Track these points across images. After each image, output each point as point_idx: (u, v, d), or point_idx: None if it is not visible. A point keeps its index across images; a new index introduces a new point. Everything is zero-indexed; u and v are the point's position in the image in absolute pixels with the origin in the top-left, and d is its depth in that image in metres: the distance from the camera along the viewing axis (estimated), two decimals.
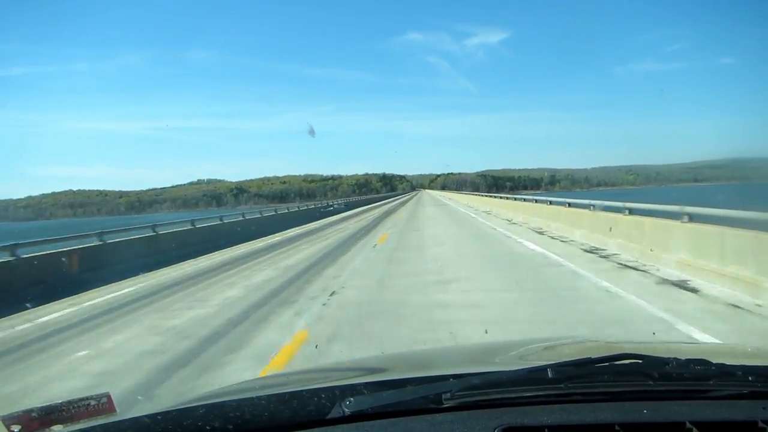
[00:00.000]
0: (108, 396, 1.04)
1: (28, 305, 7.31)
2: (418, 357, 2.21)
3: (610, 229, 10.76)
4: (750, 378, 1.03)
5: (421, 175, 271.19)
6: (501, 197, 28.37)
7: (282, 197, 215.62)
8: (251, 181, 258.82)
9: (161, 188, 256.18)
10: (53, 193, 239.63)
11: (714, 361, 1.07)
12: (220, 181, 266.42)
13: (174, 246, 13.52)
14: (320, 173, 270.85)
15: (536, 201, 18.82)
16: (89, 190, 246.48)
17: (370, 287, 7.49)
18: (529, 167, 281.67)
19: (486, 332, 4.88)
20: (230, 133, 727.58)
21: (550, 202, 16.68)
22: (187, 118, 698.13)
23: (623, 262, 8.64)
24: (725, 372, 1.05)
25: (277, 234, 18.91)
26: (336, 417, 0.97)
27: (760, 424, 0.93)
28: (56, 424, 0.97)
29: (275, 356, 4.52)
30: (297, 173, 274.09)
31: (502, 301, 6.18)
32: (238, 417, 0.96)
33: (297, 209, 31.11)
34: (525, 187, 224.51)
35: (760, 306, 5.46)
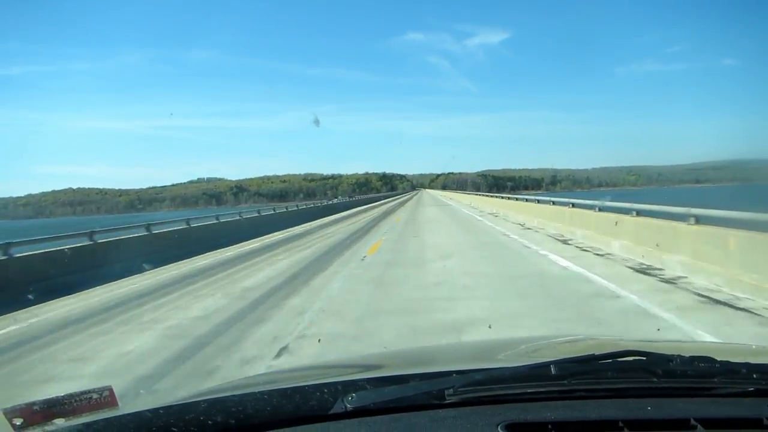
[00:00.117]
0: (110, 389, 1.02)
1: None
2: (420, 353, 2.17)
3: (657, 245, 8.26)
4: (755, 375, 1.02)
5: (421, 174, 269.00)
6: (506, 197, 25.86)
7: (282, 196, 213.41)
8: (251, 179, 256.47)
9: (161, 187, 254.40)
10: (53, 192, 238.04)
11: (718, 359, 1.06)
12: (220, 179, 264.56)
13: (120, 257, 11.02)
14: (320, 172, 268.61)
15: (552, 203, 16.29)
16: (89, 189, 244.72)
17: (342, 337, 4.93)
18: (530, 167, 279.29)
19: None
20: (231, 132, 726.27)
21: (572, 205, 14.13)
22: (188, 117, 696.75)
23: (706, 293, 6.10)
24: (730, 369, 1.04)
25: (256, 239, 16.39)
26: (338, 412, 0.96)
27: (765, 421, 0.92)
28: (58, 417, 0.95)
29: None
30: (297, 172, 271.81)
31: None
32: (241, 412, 0.95)
33: (296, 208, 29.57)
34: (526, 188, 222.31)
35: None
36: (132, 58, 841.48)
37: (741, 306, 5.47)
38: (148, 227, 12.62)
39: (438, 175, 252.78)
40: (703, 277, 6.74)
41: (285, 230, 19.98)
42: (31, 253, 8.98)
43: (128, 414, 0.96)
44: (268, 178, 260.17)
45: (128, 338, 5.32)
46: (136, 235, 12.43)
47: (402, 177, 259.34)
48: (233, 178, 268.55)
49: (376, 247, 12.43)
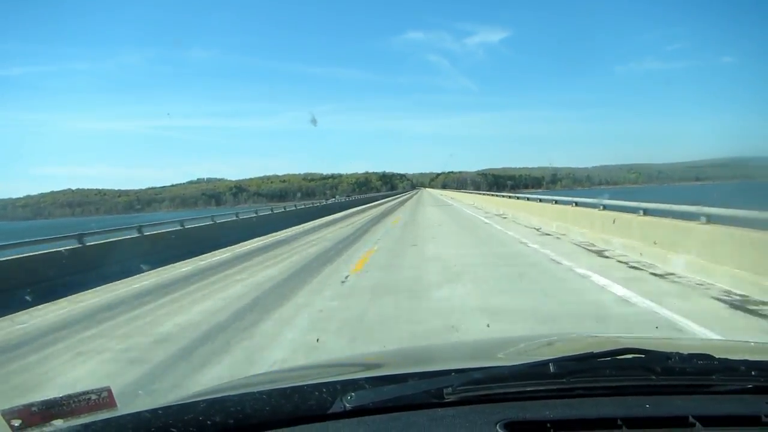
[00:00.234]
0: (108, 390, 1.02)
1: None
2: (419, 352, 2.16)
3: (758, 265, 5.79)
4: (753, 373, 1.02)
5: (421, 173, 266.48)
6: (513, 197, 23.35)
7: (282, 196, 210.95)
8: (251, 180, 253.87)
9: (161, 187, 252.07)
10: (52, 193, 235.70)
11: (717, 356, 1.06)
12: (220, 180, 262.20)
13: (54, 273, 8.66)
14: (320, 172, 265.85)
15: (575, 203, 13.78)
16: (88, 189, 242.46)
17: None
18: (530, 166, 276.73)
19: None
20: (230, 132, 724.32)
21: (603, 207, 11.62)
22: (188, 117, 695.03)
23: None
24: (728, 367, 1.03)
25: (233, 246, 13.94)
26: (337, 411, 0.95)
27: (764, 418, 0.92)
28: (57, 418, 0.95)
29: None
30: (297, 172, 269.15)
31: None
32: (240, 411, 0.94)
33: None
34: (526, 186, 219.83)
35: None
36: (132, 58, 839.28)
37: None
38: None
39: (438, 174, 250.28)
40: None
41: (269, 235, 17.54)
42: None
43: (127, 414, 0.95)
44: (267, 178, 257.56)
45: None
46: (106, 241, 10.81)
47: (402, 176, 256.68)
48: (233, 178, 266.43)
49: (365, 260, 9.92)
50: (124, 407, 1.01)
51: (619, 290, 6.21)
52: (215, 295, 7.30)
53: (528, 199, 19.62)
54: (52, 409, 0.95)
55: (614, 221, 10.46)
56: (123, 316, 6.45)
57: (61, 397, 0.97)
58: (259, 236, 16.99)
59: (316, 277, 8.19)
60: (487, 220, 19.02)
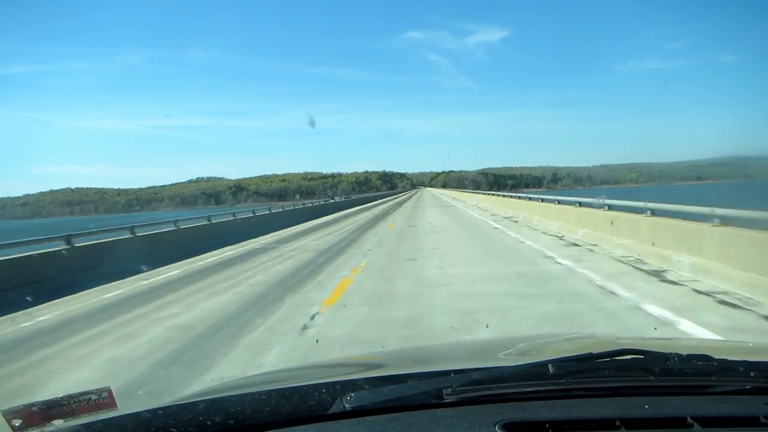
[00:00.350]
0: (109, 390, 1.01)
1: None
2: (419, 352, 2.17)
3: None
4: (752, 374, 1.02)
5: (421, 173, 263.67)
6: (523, 198, 20.87)
7: (281, 195, 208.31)
8: (251, 179, 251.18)
9: (160, 186, 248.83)
10: (51, 191, 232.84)
11: (716, 357, 1.05)
12: (219, 179, 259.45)
13: None
14: (320, 171, 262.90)
15: (608, 207, 11.24)
16: (87, 188, 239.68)
17: None
18: (530, 165, 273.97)
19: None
20: (231, 132, 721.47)
21: (652, 212, 9.11)
22: (188, 116, 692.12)
23: None
24: (727, 367, 1.03)
25: (184, 261, 11.45)
26: (337, 412, 0.94)
27: (762, 419, 0.91)
28: (57, 418, 0.95)
29: None
30: (297, 171, 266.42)
31: None
32: (239, 412, 0.94)
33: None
34: (527, 186, 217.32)
35: None
36: (132, 57, 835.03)
37: None
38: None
39: (438, 174, 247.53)
40: None
41: (245, 242, 15.11)
42: None
43: (127, 415, 0.95)
44: (267, 177, 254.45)
45: None
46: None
47: (402, 175, 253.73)
48: (233, 178, 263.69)
49: (346, 284, 7.42)
50: (125, 407, 1.00)
51: None
52: (93, 360, 4.78)
53: (542, 200, 17.09)
54: (52, 409, 0.95)
55: (653, 228, 7.93)
56: None
57: (61, 397, 0.97)
58: (231, 245, 14.48)
59: (269, 319, 5.65)
60: (496, 225, 16.50)
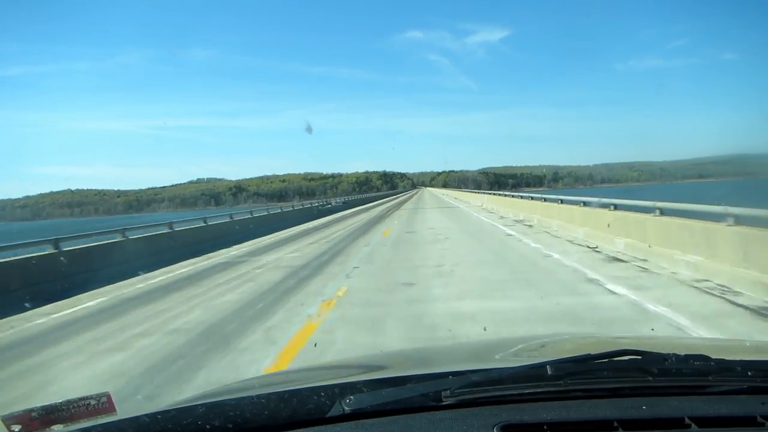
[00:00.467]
0: (108, 395, 1.01)
1: None
2: (417, 355, 2.13)
3: None
4: (749, 373, 1.01)
5: (422, 172, 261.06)
6: (533, 198, 18.40)
7: (281, 196, 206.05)
8: (251, 179, 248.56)
9: (160, 187, 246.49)
10: (51, 193, 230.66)
11: (713, 357, 1.05)
12: (219, 180, 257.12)
13: None
14: (321, 171, 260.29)
15: (659, 211, 8.75)
16: (87, 190, 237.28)
17: None
18: (531, 164, 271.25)
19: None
20: (231, 132, 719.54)
21: (736, 221, 6.64)
22: (188, 117, 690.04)
23: None
24: (724, 367, 1.02)
25: (99, 291, 9.00)
26: (336, 415, 0.94)
27: (759, 419, 0.91)
28: (56, 423, 0.94)
29: None
30: (297, 171, 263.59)
31: None
32: (238, 416, 0.93)
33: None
34: (527, 185, 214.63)
35: None
36: (132, 57, 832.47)
37: None
38: None
39: (439, 173, 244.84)
40: None
41: (215, 252, 12.80)
42: None
43: (126, 419, 0.95)
44: (267, 177, 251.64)
45: None
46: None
47: (402, 175, 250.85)
48: (233, 178, 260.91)
49: (306, 336, 4.89)
50: (123, 412, 0.99)
51: None
52: None
53: (561, 201, 14.57)
54: (51, 415, 0.95)
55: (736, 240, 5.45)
56: None
57: (60, 403, 0.96)
58: (197, 256, 12.04)
59: None
60: (509, 230, 14.01)
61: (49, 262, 8.78)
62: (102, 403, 0.99)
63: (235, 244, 14.89)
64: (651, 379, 0.99)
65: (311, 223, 23.42)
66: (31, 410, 0.93)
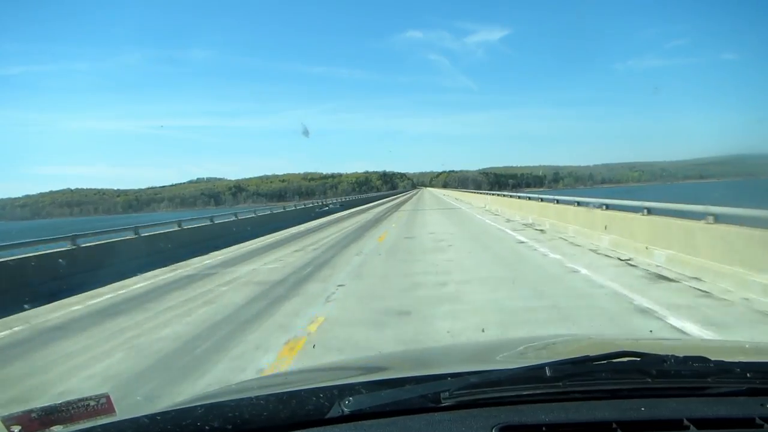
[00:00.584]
0: (107, 396, 1.01)
1: None
2: (416, 356, 2.11)
3: None
4: (748, 375, 1.01)
5: (422, 172, 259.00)
6: (543, 200, 16.78)
7: (281, 196, 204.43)
8: (251, 179, 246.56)
9: (160, 187, 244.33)
10: (51, 192, 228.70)
11: (712, 358, 1.04)
12: (219, 179, 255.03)
13: None
14: (320, 171, 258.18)
15: (713, 217, 7.10)
16: (87, 189, 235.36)
17: None
18: (531, 165, 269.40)
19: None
20: (230, 132, 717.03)
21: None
22: (188, 117, 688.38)
23: None
24: (723, 369, 1.02)
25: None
26: (335, 416, 0.93)
27: (758, 421, 0.90)
28: (56, 424, 0.94)
29: None
30: (297, 171, 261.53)
31: None
32: (237, 417, 0.92)
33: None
34: (527, 185, 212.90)
35: None
36: (132, 57, 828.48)
37: None
38: None
39: (439, 174, 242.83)
40: None
41: (189, 261, 11.20)
42: None
43: (125, 420, 0.94)
44: (267, 177, 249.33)
45: None
46: None
47: (402, 175, 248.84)
48: (233, 178, 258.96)
49: None
50: (123, 413, 0.98)
51: None
52: None
53: (578, 203, 12.90)
54: (51, 416, 0.94)
55: None
56: None
57: (60, 404, 0.95)
58: (168, 265, 10.39)
59: None
60: (519, 236, 12.35)
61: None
62: (101, 404, 0.99)
63: (214, 250, 13.26)
64: (650, 380, 0.99)
65: (304, 225, 21.79)
66: (31, 411, 0.92)
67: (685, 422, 0.89)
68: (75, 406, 0.96)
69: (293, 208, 28.64)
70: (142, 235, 11.84)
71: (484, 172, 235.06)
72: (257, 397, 1.00)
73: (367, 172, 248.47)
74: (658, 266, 7.52)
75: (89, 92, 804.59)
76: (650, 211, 8.91)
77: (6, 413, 0.91)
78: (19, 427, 0.90)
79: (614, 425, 0.89)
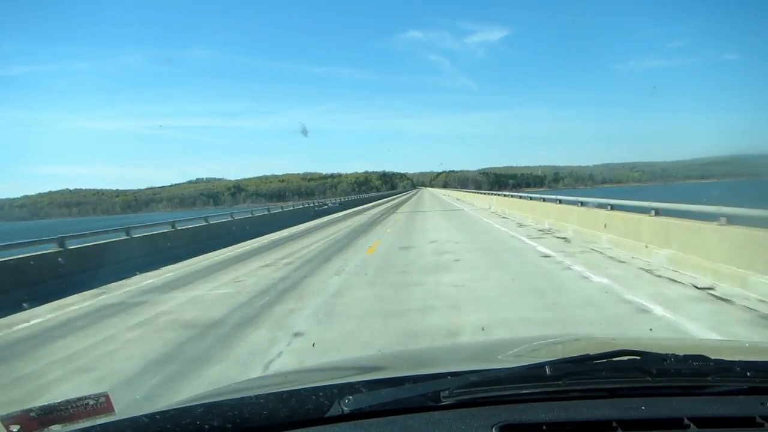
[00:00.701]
0: (106, 396, 0.99)
1: None
2: (416, 355, 2.09)
3: None
4: (748, 374, 1.00)
5: (422, 173, 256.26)
6: (562, 201, 14.41)
7: (280, 196, 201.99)
8: (250, 179, 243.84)
9: (159, 187, 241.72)
10: (49, 193, 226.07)
11: (712, 357, 1.03)
12: (219, 179, 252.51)
13: None
14: (320, 171, 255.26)
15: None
16: (86, 189, 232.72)
17: None
18: (531, 165, 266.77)
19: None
20: (230, 132, 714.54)
21: None
22: (188, 117, 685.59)
23: None
24: (724, 368, 1.01)
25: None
26: (335, 415, 0.92)
27: (758, 420, 0.89)
28: (55, 423, 0.92)
29: None
30: (297, 171, 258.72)
31: None
32: (237, 416, 0.91)
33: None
34: (528, 185, 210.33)
35: None
36: (132, 57, 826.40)
37: None
38: None
39: (438, 174, 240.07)
40: None
41: (105, 287, 8.74)
42: None
43: (124, 419, 0.92)
44: (266, 177, 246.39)
45: None
46: None
47: (402, 175, 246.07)
48: (232, 178, 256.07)
49: None
50: (122, 412, 0.97)
51: None
52: None
53: (612, 207, 10.45)
54: (50, 415, 0.93)
55: None
56: None
57: (59, 403, 0.94)
58: (63, 297, 7.99)
59: None
60: (541, 247, 9.91)
61: None
62: (100, 403, 0.98)
63: (173, 262, 10.91)
64: (650, 379, 0.98)
65: (294, 228, 19.53)
66: (30, 410, 0.91)
67: (686, 421, 0.88)
68: (74, 405, 0.95)
69: (291, 208, 27.29)
70: (74, 247, 9.40)
71: (484, 172, 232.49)
72: (257, 396, 0.99)
73: (366, 172, 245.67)
74: (760, 299, 5.11)
75: (89, 92, 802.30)
76: (729, 220, 6.48)
77: (4, 413, 0.89)
78: (18, 427, 0.88)
79: (614, 424, 0.88)
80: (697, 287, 5.96)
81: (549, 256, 8.90)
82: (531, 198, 18.53)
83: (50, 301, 7.32)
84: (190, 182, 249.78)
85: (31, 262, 8.41)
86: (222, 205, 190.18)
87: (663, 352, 1.06)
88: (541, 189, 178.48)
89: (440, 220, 19.70)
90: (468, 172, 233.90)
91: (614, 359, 1.04)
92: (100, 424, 0.90)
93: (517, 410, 0.93)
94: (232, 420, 0.89)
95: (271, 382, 1.55)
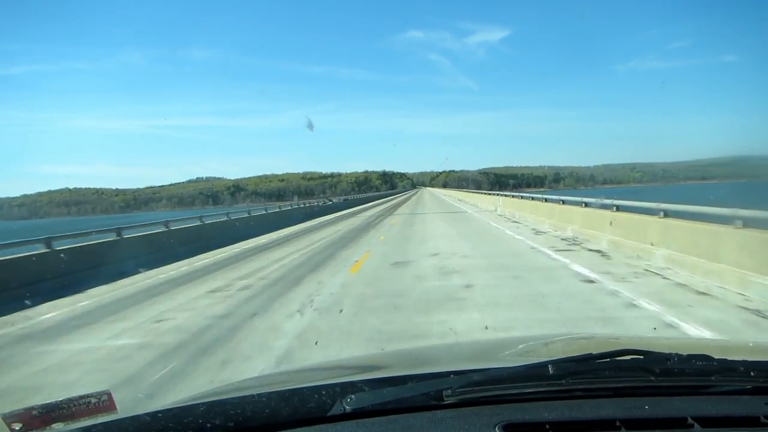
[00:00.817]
0: (108, 394, 0.98)
1: None
2: (418, 354, 2.00)
3: None
4: (752, 373, 0.98)
5: (422, 172, 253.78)
6: (588, 204, 12.09)
7: (280, 195, 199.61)
8: (250, 179, 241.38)
9: (159, 186, 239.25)
10: (49, 192, 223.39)
11: (716, 357, 1.01)
12: (219, 179, 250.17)
13: None
14: (320, 171, 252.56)
15: None
16: (86, 189, 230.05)
17: None
18: (531, 165, 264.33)
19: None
20: (230, 132, 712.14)
21: None
22: (188, 116, 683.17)
23: None
24: (727, 367, 0.99)
25: None
26: (337, 414, 0.91)
27: (762, 419, 0.88)
28: (57, 421, 0.91)
29: None
30: (297, 171, 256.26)
31: None
32: (239, 414, 0.90)
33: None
34: (528, 185, 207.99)
35: None
36: (132, 57, 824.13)
37: None
38: None
39: (438, 173, 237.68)
40: None
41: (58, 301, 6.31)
42: None
43: (126, 418, 0.91)
44: (266, 177, 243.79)
45: None
46: None
47: (402, 175, 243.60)
48: (232, 177, 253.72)
49: None
50: (124, 410, 0.95)
51: None
52: None
53: (665, 214, 8.07)
54: (52, 413, 0.92)
55: None
56: None
57: (61, 401, 0.93)
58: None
59: None
60: (580, 268, 7.54)
61: None
62: (103, 402, 0.97)
63: (98, 284, 8.53)
64: (653, 378, 0.97)
65: (283, 231, 17.40)
66: (32, 408, 0.90)
67: (690, 420, 0.88)
68: (76, 403, 0.94)
69: (289, 208, 26.09)
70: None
71: (484, 172, 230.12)
72: (259, 395, 0.97)
73: (366, 172, 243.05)
74: None
75: (89, 92, 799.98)
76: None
77: (7, 411, 0.88)
78: (20, 425, 0.88)
79: (618, 423, 0.87)
80: None
81: (594, 281, 6.55)
82: (546, 200, 16.15)
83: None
84: (189, 181, 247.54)
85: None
86: (222, 205, 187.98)
87: (666, 351, 1.04)
88: (542, 189, 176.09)
89: (442, 225, 17.31)
90: (468, 172, 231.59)
91: (617, 358, 1.02)
92: (102, 423, 0.90)
93: (520, 409, 0.92)
94: (234, 418, 0.88)
95: (273, 380, 1.55)
